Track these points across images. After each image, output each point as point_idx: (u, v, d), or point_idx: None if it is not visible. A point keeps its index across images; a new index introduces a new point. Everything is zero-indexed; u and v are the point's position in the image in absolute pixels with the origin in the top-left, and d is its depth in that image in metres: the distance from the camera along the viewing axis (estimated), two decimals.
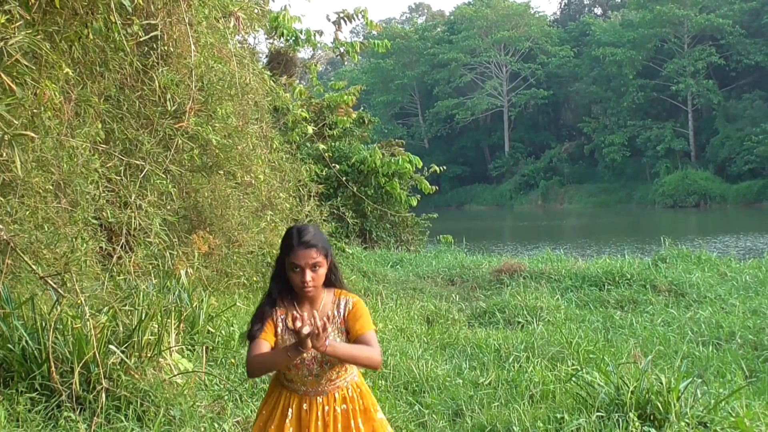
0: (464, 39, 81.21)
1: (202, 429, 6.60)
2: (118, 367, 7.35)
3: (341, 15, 16.78)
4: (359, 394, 4.37)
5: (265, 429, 4.33)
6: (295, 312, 4.23)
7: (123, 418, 6.58)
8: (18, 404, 6.71)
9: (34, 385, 7.13)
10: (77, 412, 6.65)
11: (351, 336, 4.29)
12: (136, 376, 7.49)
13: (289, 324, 4.20)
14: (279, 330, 4.29)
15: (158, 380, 7.35)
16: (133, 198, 8.95)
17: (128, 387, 7.14)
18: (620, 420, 7.01)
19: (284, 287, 4.35)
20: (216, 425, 6.74)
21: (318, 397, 4.29)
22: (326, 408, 4.28)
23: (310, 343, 3.90)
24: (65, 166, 7.97)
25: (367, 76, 79.05)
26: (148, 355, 7.68)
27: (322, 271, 4.27)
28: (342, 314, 4.35)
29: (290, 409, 4.29)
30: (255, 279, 13.39)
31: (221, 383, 7.80)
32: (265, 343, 4.22)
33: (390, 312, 13.71)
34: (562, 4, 78.98)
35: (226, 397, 7.37)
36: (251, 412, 7.21)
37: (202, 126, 10.03)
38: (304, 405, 4.28)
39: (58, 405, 6.77)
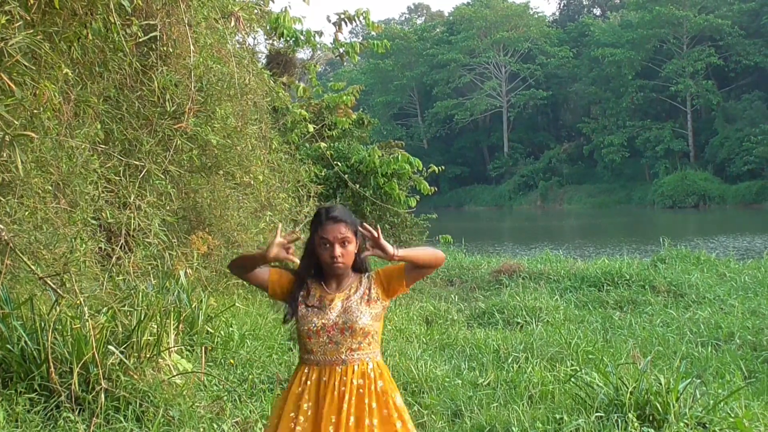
0: (463, 40, 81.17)
1: (201, 429, 6.60)
2: (117, 367, 7.34)
3: (342, 16, 16.76)
4: (379, 375, 4.35)
5: (285, 401, 4.35)
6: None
7: (122, 419, 6.58)
8: (17, 405, 6.70)
9: (33, 386, 7.13)
10: (76, 413, 6.65)
11: (396, 280, 4.44)
12: (135, 376, 7.48)
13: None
14: (297, 291, 4.38)
15: (157, 381, 7.35)
16: (132, 198, 8.95)
17: (127, 387, 7.14)
18: (619, 420, 7.02)
19: (312, 268, 4.42)
20: (215, 426, 6.74)
21: (337, 367, 4.28)
22: (344, 378, 4.25)
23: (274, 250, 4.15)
24: (64, 166, 7.96)
25: (366, 77, 79.03)
26: (147, 355, 7.68)
27: (351, 248, 4.32)
28: (365, 286, 4.42)
29: (309, 381, 4.29)
30: None
31: (220, 384, 7.80)
32: (267, 272, 4.40)
33: (389, 312, 13.70)
34: (561, 4, 79.09)
35: (225, 398, 7.37)
36: (250, 412, 7.20)
37: (201, 126, 10.03)
38: (324, 377, 4.28)
39: (57, 405, 6.77)
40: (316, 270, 4.42)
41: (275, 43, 18.89)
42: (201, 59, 10.10)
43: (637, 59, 65.16)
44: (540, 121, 78.70)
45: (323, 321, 4.27)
